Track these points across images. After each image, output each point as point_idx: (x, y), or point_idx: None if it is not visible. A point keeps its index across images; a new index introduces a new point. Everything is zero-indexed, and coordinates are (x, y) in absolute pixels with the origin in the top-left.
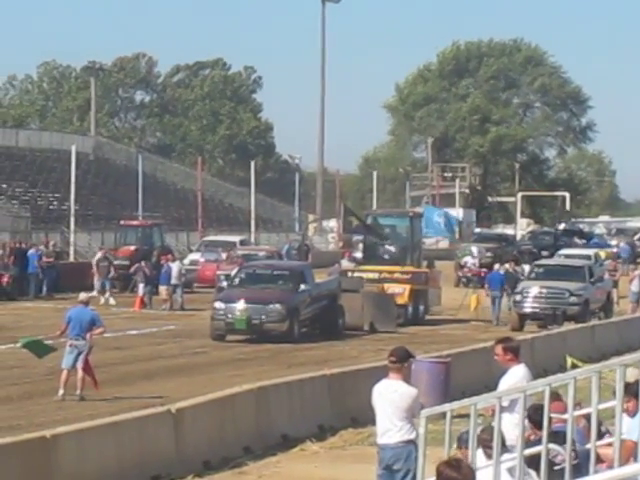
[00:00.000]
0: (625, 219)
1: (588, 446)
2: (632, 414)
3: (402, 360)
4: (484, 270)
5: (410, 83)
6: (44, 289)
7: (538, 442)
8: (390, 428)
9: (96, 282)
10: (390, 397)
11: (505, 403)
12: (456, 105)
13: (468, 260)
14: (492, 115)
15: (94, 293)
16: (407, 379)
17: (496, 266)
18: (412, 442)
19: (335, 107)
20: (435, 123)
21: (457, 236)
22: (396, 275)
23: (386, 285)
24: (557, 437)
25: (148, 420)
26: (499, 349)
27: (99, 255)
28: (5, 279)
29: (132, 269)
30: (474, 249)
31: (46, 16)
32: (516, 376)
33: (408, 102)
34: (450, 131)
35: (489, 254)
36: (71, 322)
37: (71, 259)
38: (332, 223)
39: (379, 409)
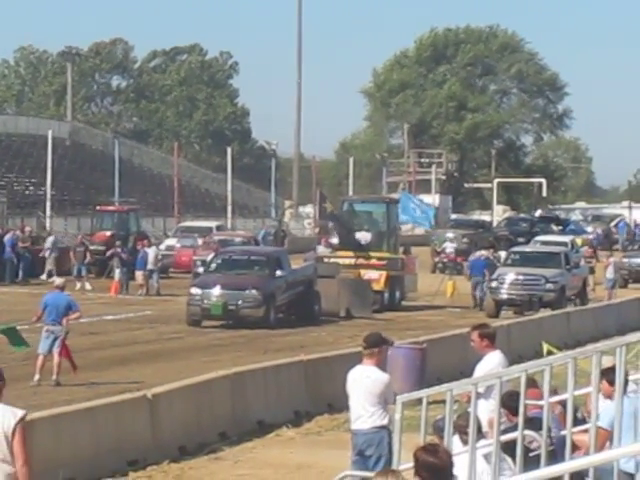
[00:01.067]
0: (601, 206)
1: (564, 432)
2: (606, 396)
3: (374, 345)
4: (460, 257)
5: (387, 69)
6: (20, 274)
7: (514, 428)
8: (362, 414)
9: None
10: (363, 383)
11: (481, 389)
12: (433, 92)
13: (447, 246)
14: (469, 102)
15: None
16: (381, 365)
17: (477, 253)
18: (384, 428)
19: (312, 93)
20: (412, 109)
21: (433, 222)
22: (372, 261)
23: (362, 271)
24: (533, 423)
25: (124, 405)
26: (475, 335)
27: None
28: None
29: (108, 254)
30: (450, 235)
31: (23, 1)
32: (492, 362)
33: (385, 88)
34: (427, 117)
35: (465, 240)
36: (47, 307)
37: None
38: (308, 209)
39: (352, 395)
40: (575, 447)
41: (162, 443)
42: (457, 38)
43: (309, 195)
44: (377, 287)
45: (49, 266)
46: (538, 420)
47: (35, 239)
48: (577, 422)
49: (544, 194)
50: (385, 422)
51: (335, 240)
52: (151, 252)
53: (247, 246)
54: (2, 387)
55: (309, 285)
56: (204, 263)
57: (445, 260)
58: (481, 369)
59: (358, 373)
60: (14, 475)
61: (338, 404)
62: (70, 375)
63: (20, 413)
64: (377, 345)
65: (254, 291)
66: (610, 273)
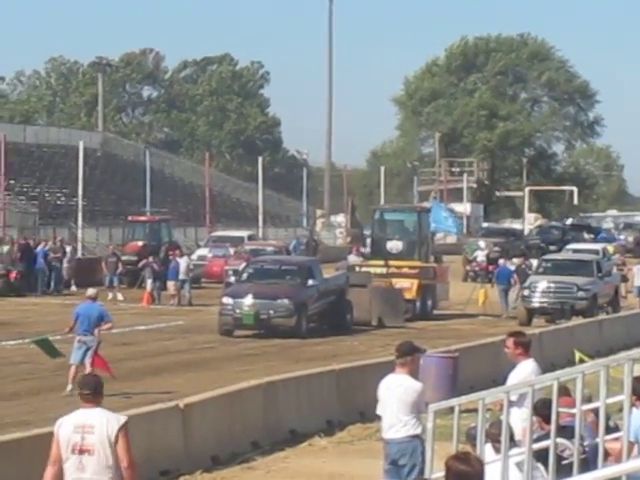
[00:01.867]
0: (633, 213)
1: (596, 441)
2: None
3: (406, 354)
4: (492, 265)
5: (418, 77)
6: (52, 285)
7: (546, 436)
8: (395, 423)
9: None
10: (395, 391)
11: (514, 397)
12: (464, 100)
13: (478, 254)
14: (500, 110)
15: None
16: (413, 373)
17: (501, 261)
18: (418, 437)
19: (343, 102)
20: (443, 118)
21: (464, 231)
22: (404, 270)
23: (394, 280)
24: (565, 432)
25: (156, 415)
26: (510, 342)
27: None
28: (13, 275)
29: (140, 264)
30: (482, 244)
31: (54, 12)
32: (525, 371)
33: (416, 97)
34: (458, 126)
35: (497, 249)
36: (79, 318)
37: (79, 255)
38: (340, 218)
39: (385, 404)
40: (608, 455)
41: (194, 453)
42: (487, 47)
43: (340, 204)
44: (409, 296)
45: (65, 277)
46: (570, 428)
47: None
48: (610, 430)
49: (575, 202)
50: (418, 431)
51: (367, 249)
52: (183, 262)
53: (279, 255)
54: (97, 397)
55: (341, 294)
56: (236, 273)
57: (477, 269)
58: (514, 377)
59: (391, 382)
60: (118, 477)
61: (370, 413)
62: (109, 375)
63: (123, 419)
64: (409, 354)
65: (286, 300)
66: (638, 281)
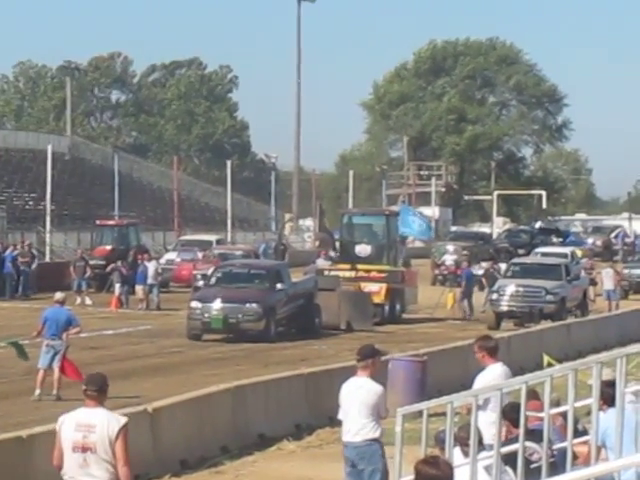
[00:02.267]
0: (601, 217)
1: (565, 444)
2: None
3: (367, 357)
4: (460, 268)
5: (387, 81)
6: (20, 289)
7: (515, 440)
8: (354, 426)
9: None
10: (356, 394)
11: (481, 401)
12: (432, 104)
13: (447, 258)
14: (468, 114)
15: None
16: (374, 376)
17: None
18: (376, 440)
19: (311, 106)
20: (411, 122)
21: (432, 235)
22: (372, 274)
23: (362, 284)
24: (534, 435)
25: None
26: (476, 347)
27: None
28: None
29: (108, 269)
30: (450, 247)
31: (21, 16)
32: (492, 374)
33: (384, 100)
34: (426, 130)
35: (465, 252)
36: (47, 322)
37: (47, 259)
38: (308, 222)
39: (346, 407)
40: (576, 458)
41: (163, 457)
42: (456, 50)
43: (309, 208)
44: (377, 300)
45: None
46: (539, 432)
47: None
48: (578, 434)
49: (544, 206)
50: (377, 435)
51: (334, 253)
52: (151, 266)
53: (247, 259)
54: (101, 395)
55: (310, 298)
56: (204, 277)
57: (445, 272)
58: (480, 380)
59: (352, 385)
60: (115, 474)
61: None
62: (71, 389)
63: (123, 421)
64: (370, 356)
65: (254, 304)
66: (607, 284)
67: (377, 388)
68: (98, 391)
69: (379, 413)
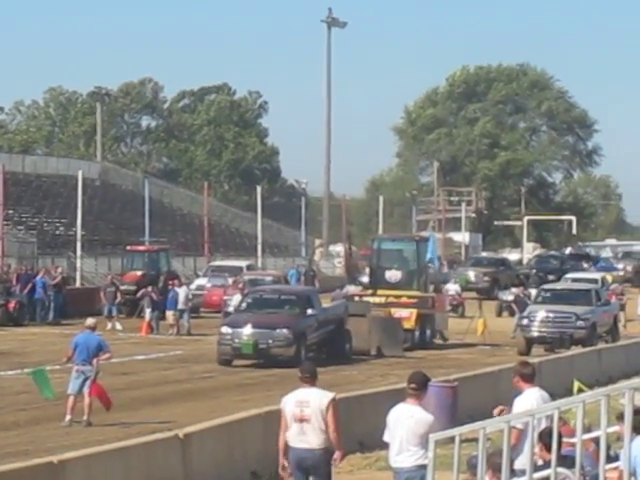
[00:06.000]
0: (631, 242)
1: (596, 470)
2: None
3: (422, 385)
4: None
5: (419, 106)
6: (51, 315)
7: (547, 465)
8: (404, 452)
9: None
10: (406, 423)
11: (520, 426)
12: (464, 129)
13: (449, 288)
14: (501, 140)
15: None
16: (424, 405)
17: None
18: (425, 467)
19: (342, 131)
20: (443, 147)
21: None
22: (403, 299)
23: (393, 309)
24: (566, 461)
25: (156, 445)
26: (513, 372)
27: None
28: (12, 305)
29: (139, 294)
30: (471, 273)
31: (52, 42)
32: (529, 399)
33: (416, 125)
34: (459, 155)
35: (486, 278)
36: (78, 347)
37: (77, 284)
38: (338, 248)
39: (394, 432)
40: None
41: None
42: (488, 76)
43: (339, 234)
44: (408, 325)
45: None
46: (571, 458)
47: (66, 279)
48: (610, 459)
49: (574, 231)
50: (426, 462)
51: (365, 279)
52: (182, 292)
53: (277, 285)
54: (314, 379)
55: (340, 324)
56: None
57: (454, 302)
58: (519, 404)
59: (402, 412)
60: (327, 439)
61: (370, 442)
62: (102, 415)
63: (331, 395)
64: (424, 385)
65: (285, 330)
66: None
67: (428, 418)
68: (311, 377)
69: (428, 441)
